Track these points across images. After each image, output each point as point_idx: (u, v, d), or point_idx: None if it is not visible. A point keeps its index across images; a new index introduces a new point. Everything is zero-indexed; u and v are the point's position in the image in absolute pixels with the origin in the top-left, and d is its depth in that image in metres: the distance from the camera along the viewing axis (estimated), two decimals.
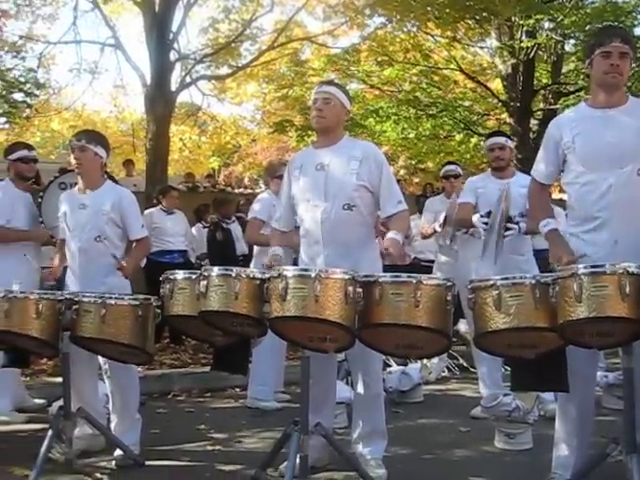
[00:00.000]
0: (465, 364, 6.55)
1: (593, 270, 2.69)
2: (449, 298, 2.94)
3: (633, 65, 11.91)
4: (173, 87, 11.21)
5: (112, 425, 3.94)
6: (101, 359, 3.88)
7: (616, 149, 3.15)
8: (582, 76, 13.11)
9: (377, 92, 15.48)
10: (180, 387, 5.88)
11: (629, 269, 2.66)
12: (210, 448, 4.21)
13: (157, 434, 4.44)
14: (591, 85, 3.36)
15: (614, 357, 3.34)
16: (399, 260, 3.48)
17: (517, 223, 4.55)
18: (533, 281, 2.83)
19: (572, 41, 13.50)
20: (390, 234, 3.51)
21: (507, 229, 4.51)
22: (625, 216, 3.13)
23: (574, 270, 2.71)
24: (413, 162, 18.45)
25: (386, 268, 4.45)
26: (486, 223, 4.62)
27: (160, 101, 10.46)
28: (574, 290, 2.66)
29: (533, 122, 13.78)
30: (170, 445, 4.19)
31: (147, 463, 3.77)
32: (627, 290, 2.62)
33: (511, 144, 5.00)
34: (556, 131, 3.33)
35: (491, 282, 2.89)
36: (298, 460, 3.15)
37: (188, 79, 12.41)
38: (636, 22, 12.57)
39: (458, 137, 15.89)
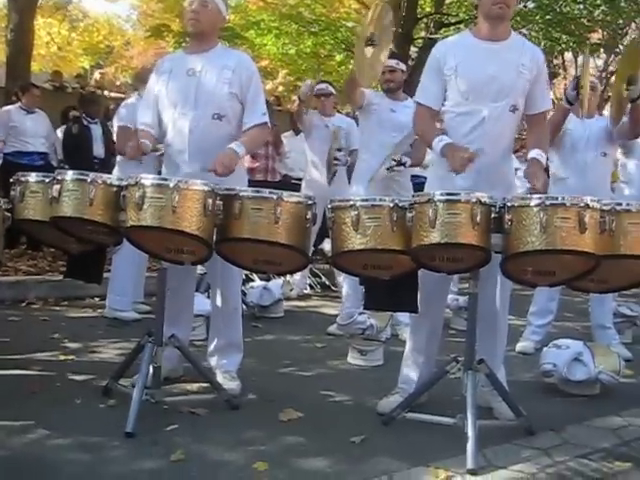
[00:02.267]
0: (327, 282, 6.72)
1: (448, 197, 2.77)
2: (309, 216, 2.95)
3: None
4: None
5: None
6: None
7: (494, 83, 3.19)
8: (464, 8, 13.31)
9: (260, 3, 15.04)
10: (36, 295, 5.68)
11: (482, 199, 2.77)
12: (63, 358, 4.10)
13: (7, 342, 4.28)
14: (478, 16, 3.33)
15: (466, 282, 3.52)
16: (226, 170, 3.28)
17: (404, 164, 4.66)
18: (391, 204, 2.88)
19: None
20: (232, 144, 3.36)
21: (400, 164, 4.64)
22: (493, 149, 3.22)
23: (430, 196, 2.79)
24: (292, 79, 18.23)
25: (254, 184, 4.43)
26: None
27: None
28: (429, 215, 2.74)
29: (413, 49, 13.92)
30: (21, 354, 4.05)
31: None
32: (478, 219, 2.73)
33: (403, 67, 4.96)
34: (441, 56, 3.30)
35: (350, 203, 2.92)
36: (151, 371, 3.14)
37: None
38: None
39: (338, 57, 15.84)
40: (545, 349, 4.03)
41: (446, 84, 3.28)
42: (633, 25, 18.56)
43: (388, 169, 4.67)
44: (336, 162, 5.63)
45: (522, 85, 3.24)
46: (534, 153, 3.25)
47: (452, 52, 3.28)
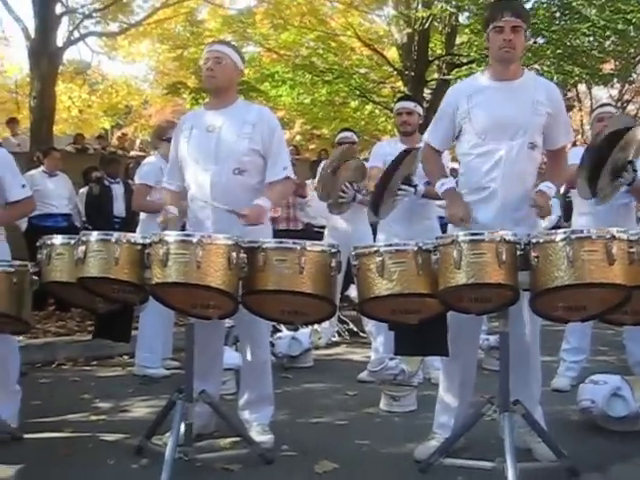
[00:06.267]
0: (355, 329, 6.66)
1: (472, 238, 2.76)
2: (333, 265, 2.94)
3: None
4: (60, 42, 10.69)
5: None
6: None
7: (509, 122, 3.22)
8: (475, 48, 13.43)
9: (274, 56, 15.33)
10: (65, 356, 5.70)
11: (506, 237, 2.75)
12: (94, 418, 4.09)
13: (39, 405, 4.28)
14: (490, 58, 3.40)
15: (496, 321, 3.47)
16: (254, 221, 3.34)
17: (415, 186, 4.56)
18: (415, 248, 2.87)
19: (466, 13, 13.77)
20: (258, 200, 3.42)
21: (400, 189, 4.54)
22: (513, 187, 3.23)
23: (454, 237, 2.77)
24: (308, 127, 18.44)
25: (277, 233, 4.43)
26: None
27: (45, 57, 9.95)
28: (454, 257, 2.72)
29: (427, 91, 14.07)
30: (52, 416, 4.04)
31: (26, 436, 3.60)
32: (503, 257, 2.71)
33: (419, 110, 5.00)
34: (453, 100, 3.37)
35: (375, 249, 2.91)
36: (183, 428, 3.11)
37: (76, 34, 11.85)
38: None
39: (353, 104, 16.02)
40: (582, 385, 3.94)
41: (461, 127, 3.32)
42: None
43: (397, 194, 4.59)
44: (342, 195, 5.35)
45: (538, 122, 3.25)
46: (542, 186, 3.26)
47: (465, 95, 3.32)
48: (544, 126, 3.28)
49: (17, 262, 3.44)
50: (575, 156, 4.52)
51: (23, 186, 3.81)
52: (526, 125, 3.23)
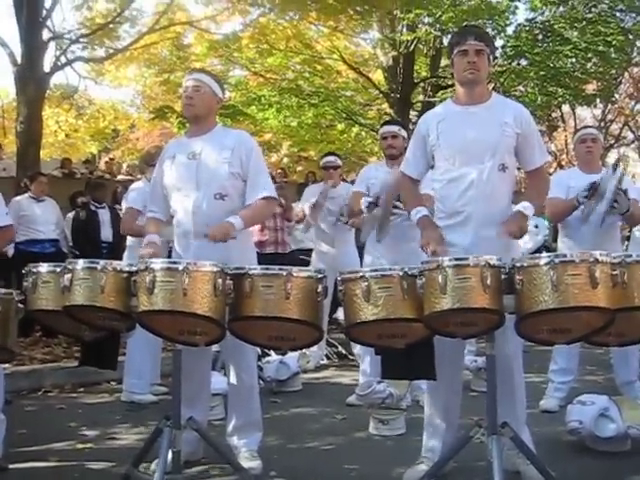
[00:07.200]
0: (344, 351, 6.64)
1: (457, 262, 2.77)
2: (320, 290, 2.94)
3: (504, 62, 12.60)
4: (47, 68, 10.67)
5: None
6: None
7: (477, 145, 3.26)
8: None
9: (260, 79, 15.42)
10: (51, 383, 5.64)
11: (490, 262, 2.76)
12: (81, 446, 4.05)
13: (24, 434, 4.23)
14: (455, 83, 3.47)
15: (483, 342, 3.47)
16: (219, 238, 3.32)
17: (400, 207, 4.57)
18: (401, 273, 2.87)
19: (450, 36, 13.92)
20: (231, 218, 3.41)
21: (395, 207, 4.54)
22: (487, 210, 3.25)
23: (439, 262, 2.78)
24: (295, 150, 18.49)
25: (265, 256, 4.44)
26: (371, 203, 4.67)
27: (32, 82, 9.92)
28: (439, 282, 2.73)
29: (412, 113, 14.19)
30: (38, 445, 4.00)
31: (11, 466, 3.56)
32: (488, 282, 2.72)
33: (404, 133, 5.03)
34: (424, 128, 3.42)
35: (360, 274, 2.91)
36: (171, 455, 3.09)
37: (63, 60, 11.84)
38: (508, 22, 13.17)
39: (340, 126, 16.12)
40: (570, 406, 3.94)
41: (433, 154, 3.37)
42: (626, 74, 18.90)
43: (392, 213, 4.59)
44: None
45: (507, 143, 3.29)
46: (520, 206, 3.28)
47: (434, 123, 3.37)
48: (516, 147, 3.31)
49: (2, 290, 3.42)
50: (558, 185, 4.55)
51: (6, 214, 3.80)
52: (494, 147, 3.26)
